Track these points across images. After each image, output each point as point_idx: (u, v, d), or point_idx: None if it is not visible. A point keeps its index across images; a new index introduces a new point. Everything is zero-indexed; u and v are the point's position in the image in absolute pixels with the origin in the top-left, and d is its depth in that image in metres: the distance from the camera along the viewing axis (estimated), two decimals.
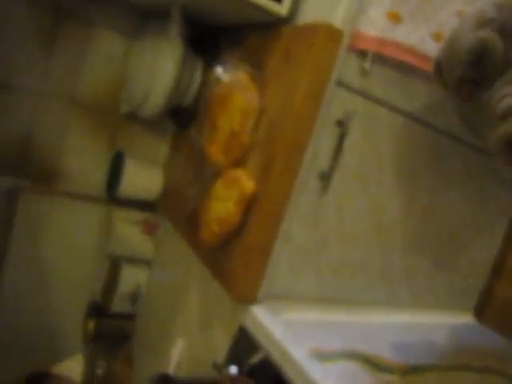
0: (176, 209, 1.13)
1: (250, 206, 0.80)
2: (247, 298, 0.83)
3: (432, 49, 0.88)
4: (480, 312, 1.22)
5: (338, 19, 0.76)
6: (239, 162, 0.87)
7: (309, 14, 0.83)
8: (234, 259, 0.84)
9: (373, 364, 0.78)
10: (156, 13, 1.09)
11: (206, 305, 0.99)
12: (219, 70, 0.92)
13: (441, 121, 0.96)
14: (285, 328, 0.77)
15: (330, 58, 0.77)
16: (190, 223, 1.01)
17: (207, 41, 1.11)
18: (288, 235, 0.84)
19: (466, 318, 1.21)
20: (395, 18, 0.83)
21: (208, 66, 1.04)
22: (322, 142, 0.82)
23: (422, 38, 0.86)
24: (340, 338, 0.83)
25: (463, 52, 0.57)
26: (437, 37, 0.88)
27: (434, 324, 1.11)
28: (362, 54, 0.82)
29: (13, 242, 1.20)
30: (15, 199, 1.19)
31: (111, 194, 1.19)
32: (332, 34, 0.75)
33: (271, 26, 0.88)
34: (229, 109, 0.86)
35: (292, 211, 0.82)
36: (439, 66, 0.72)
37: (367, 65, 0.82)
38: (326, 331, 0.86)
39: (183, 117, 1.13)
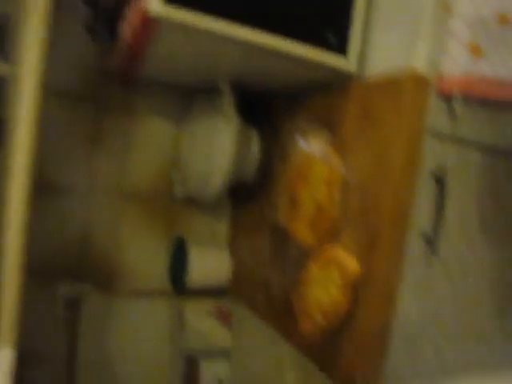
0: (253, 292, 1.03)
1: (356, 289, 0.70)
2: None
3: None
4: None
5: (421, 62, 0.68)
6: (330, 239, 0.77)
7: (380, 65, 0.75)
8: (346, 350, 0.73)
9: None
10: (200, 88, 1.03)
11: None
12: (293, 140, 0.84)
13: None
14: None
15: (420, 108, 0.68)
16: (276, 308, 0.91)
17: (258, 109, 1.05)
18: (401, 313, 0.73)
19: None
20: (477, 53, 0.74)
21: (264, 136, 0.97)
22: (422, 202, 0.72)
23: (510, 67, 0.77)
24: None
25: None
26: None
27: None
28: (449, 97, 0.73)
29: (80, 348, 1.11)
30: (78, 304, 1.12)
31: (179, 286, 1.10)
32: (418, 81, 0.68)
33: (338, 83, 0.80)
34: (310, 181, 0.77)
35: (402, 285, 0.71)
36: None
37: (457, 108, 0.74)
38: None
39: (244, 193, 1.05)
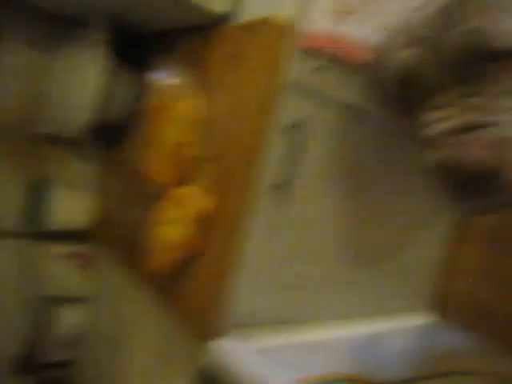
0: (114, 237, 1.01)
1: (206, 225, 0.71)
2: (211, 329, 0.73)
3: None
4: (440, 310, 1.21)
5: (287, 13, 0.70)
6: (188, 179, 0.77)
7: (254, 10, 0.76)
8: (191, 287, 0.74)
9: None
10: (70, 19, 0.96)
11: (161, 343, 0.87)
12: (155, 78, 0.82)
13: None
14: (260, 360, 0.68)
15: (281, 57, 0.70)
16: (134, 251, 0.90)
17: (137, 50, 1.00)
18: (249, 254, 0.76)
19: (427, 319, 1.19)
20: (343, 13, 0.78)
21: (140, 77, 0.94)
22: (276, 150, 0.75)
23: (376, 30, 0.82)
24: (318, 361, 0.76)
25: (393, 68, 0.53)
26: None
27: (400, 329, 1.07)
28: (313, 52, 0.76)
29: None
30: None
31: (35, 227, 1.03)
32: (282, 30, 0.69)
33: (211, 26, 0.80)
34: (170, 120, 0.76)
35: (251, 227, 0.74)
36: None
37: (318, 63, 0.77)
38: (301, 356, 0.79)
39: (113, 134, 1.01)
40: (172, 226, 0.74)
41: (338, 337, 0.91)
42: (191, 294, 0.74)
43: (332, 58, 0.78)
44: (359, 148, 0.88)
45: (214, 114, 0.74)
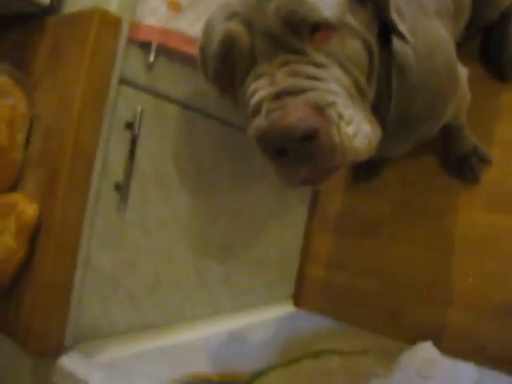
0: None
1: (35, 234, 0.65)
2: (51, 348, 0.67)
3: None
4: (297, 298, 1.26)
5: (113, 5, 0.66)
6: (13, 185, 0.70)
7: (78, 2, 0.71)
8: (25, 304, 0.67)
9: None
10: None
11: None
12: None
13: (232, 115, 0.93)
14: (107, 375, 0.64)
15: (108, 51, 0.66)
16: None
17: None
18: (90, 263, 0.71)
19: (286, 308, 1.22)
20: (175, 7, 0.77)
21: None
22: (112, 149, 0.71)
23: None
24: (175, 365, 0.73)
25: (214, 44, 0.54)
26: None
27: (261, 322, 1.08)
28: (145, 46, 0.74)
29: None
30: None
31: None
32: (108, 22, 0.66)
33: (33, 17, 0.73)
34: None
35: (90, 233, 0.69)
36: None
37: (151, 58, 0.75)
38: (157, 361, 0.75)
39: None
40: None
41: (195, 336, 0.89)
42: (28, 310, 0.67)
43: (166, 52, 0.77)
44: (203, 146, 0.88)
45: (38, 113, 0.68)
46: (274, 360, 0.85)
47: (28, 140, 0.69)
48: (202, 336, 0.91)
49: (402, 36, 0.55)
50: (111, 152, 0.71)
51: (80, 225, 0.67)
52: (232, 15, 0.52)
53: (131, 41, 0.71)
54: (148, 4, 0.73)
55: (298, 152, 0.45)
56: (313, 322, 1.15)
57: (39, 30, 0.72)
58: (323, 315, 1.20)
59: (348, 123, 0.47)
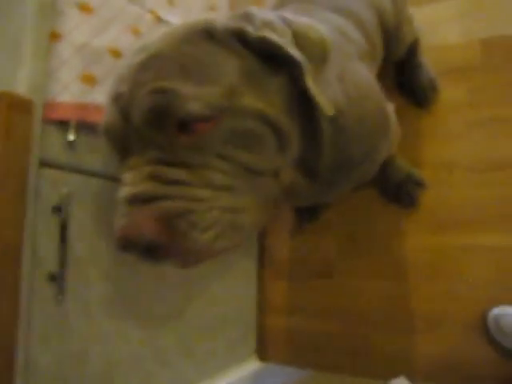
0: None
1: None
2: None
3: None
4: (261, 352, 1.21)
5: (22, 87, 0.63)
6: None
7: None
8: None
9: None
10: None
11: None
12: None
13: None
14: None
15: (22, 135, 0.62)
16: None
17: None
18: (31, 365, 0.64)
19: (252, 365, 1.17)
20: (90, 81, 0.74)
21: None
22: (41, 238, 0.66)
23: None
24: None
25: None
26: None
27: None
28: (63, 124, 0.70)
29: None
30: None
31: None
32: (18, 106, 0.62)
33: None
34: None
35: (27, 333, 0.63)
36: None
37: (71, 137, 0.71)
38: None
39: None
40: None
41: None
42: None
43: (86, 127, 0.73)
44: None
45: None
46: None
47: None
48: None
49: (322, 106, 0.52)
50: (40, 241, 0.65)
51: (14, 328, 0.60)
52: (115, 99, 0.50)
53: (47, 121, 0.67)
54: (59, 81, 0.70)
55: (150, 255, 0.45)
56: (280, 376, 1.11)
57: None
58: (289, 365, 1.16)
59: (205, 230, 0.45)
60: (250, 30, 0.50)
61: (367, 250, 1.14)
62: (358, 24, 0.82)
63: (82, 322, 0.72)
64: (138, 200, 0.44)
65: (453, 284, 1.03)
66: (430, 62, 1.14)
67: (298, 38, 0.53)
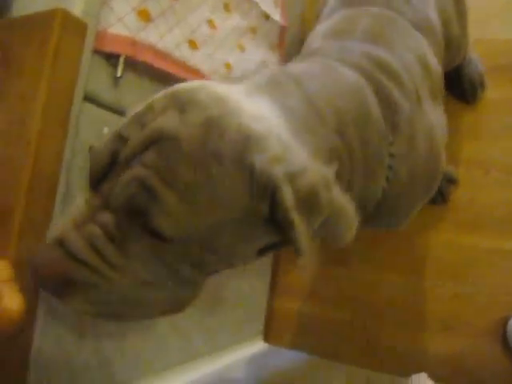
0: None
1: None
2: None
3: (188, 56, 0.76)
4: (268, 333, 1.17)
5: (77, 8, 0.56)
6: None
7: (32, 3, 0.60)
8: None
9: None
10: None
11: None
12: None
13: None
14: None
15: (72, 61, 0.56)
16: None
17: None
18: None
19: (257, 345, 1.14)
20: (145, 17, 0.67)
21: None
22: (75, 178, 0.60)
23: (177, 42, 0.73)
24: None
25: None
26: (191, 44, 0.77)
27: (233, 362, 0.99)
28: (111, 58, 0.64)
29: None
30: None
31: None
32: (72, 27, 0.55)
33: None
34: None
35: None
36: None
37: (119, 72, 0.64)
38: None
39: None
40: None
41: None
42: None
43: (134, 66, 0.67)
44: None
45: None
46: None
47: None
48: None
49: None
50: (72, 178, 0.59)
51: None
52: (119, 135, 0.43)
53: (96, 51, 0.61)
54: (114, 11, 0.63)
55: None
56: (286, 359, 1.08)
57: None
58: (294, 350, 1.13)
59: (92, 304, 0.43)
60: (287, 197, 0.42)
61: (387, 241, 1.10)
62: (435, 41, 0.77)
63: None
64: (65, 248, 0.40)
65: (474, 287, 0.99)
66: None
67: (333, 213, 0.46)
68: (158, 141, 0.40)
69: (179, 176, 0.39)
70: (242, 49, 0.91)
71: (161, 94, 0.45)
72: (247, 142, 0.41)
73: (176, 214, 0.39)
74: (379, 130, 0.59)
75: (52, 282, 0.40)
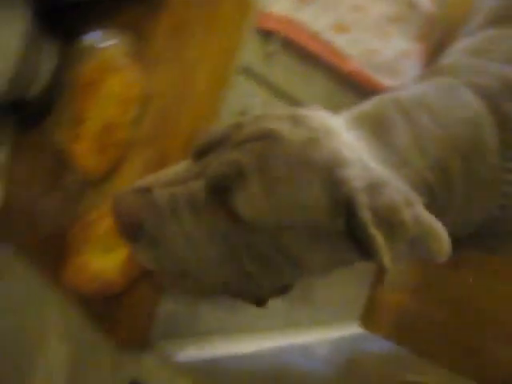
0: (22, 232, 0.86)
1: None
2: (138, 340, 0.63)
3: (336, 39, 0.80)
4: (366, 319, 1.19)
5: None
6: (115, 165, 0.67)
7: None
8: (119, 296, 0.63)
9: None
10: None
11: (75, 356, 0.75)
12: (86, 49, 0.71)
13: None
14: (193, 376, 0.59)
15: (236, 34, 0.63)
16: (47, 250, 0.77)
17: (67, 16, 0.88)
18: None
19: (353, 329, 1.16)
20: None
21: (68, 47, 0.81)
22: None
23: (327, 25, 0.77)
24: (252, 375, 0.69)
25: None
26: (339, 28, 0.80)
27: (329, 339, 1.03)
28: (268, 35, 0.70)
29: None
30: None
31: None
32: (241, 4, 0.61)
33: None
34: (101, 95, 0.66)
35: None
36: None
37: (272, 48, 0.70)
38: (236, 369, 0.71)
39: (31, 112, 0.88)
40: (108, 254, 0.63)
41: (271, 345, 0.84)
42: (115, 302, 0.64)
43: (286, 44, 0.72)
44: None
45: (153, 92, 0.65)
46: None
47: (138, 119, 0.66)
48: (275, 347, 0.87)
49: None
50: None
51: None
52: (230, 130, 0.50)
53: (257, 27, 0.67)
54: None
55: None
56: (381, 346, 1.09)
57: (163, 4, 0.68)
58: (390, 340, 1.13)
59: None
60: (365, 213, 0.45)
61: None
62: None
63: None
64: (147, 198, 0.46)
65: None
66: None
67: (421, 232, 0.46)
68: (267, 137, 0.46)
69: (273, 169, 0.45)
70: (387, 35, 0.92)
71: (285, 110, 0.52)
72: (337, 160, 0.46)
73: (257, 199, 0.44)
74: (492, 162, 0.57)
75: (127, 224, 0.46)
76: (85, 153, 0.68)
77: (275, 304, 0.87)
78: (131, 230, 0.46)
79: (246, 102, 0.69)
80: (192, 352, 0.69)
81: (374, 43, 0.89)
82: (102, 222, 0.63)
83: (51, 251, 0.74)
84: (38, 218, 0.80)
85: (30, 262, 0.84)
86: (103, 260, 0.63)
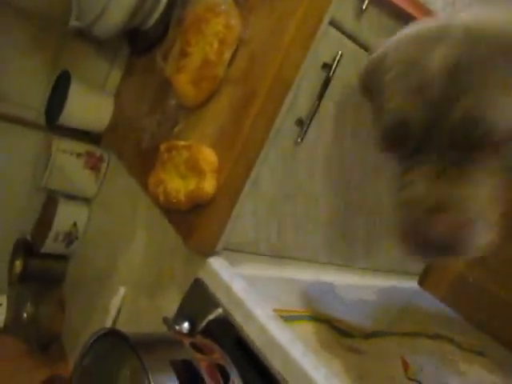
0: (126, 143, 1.01)
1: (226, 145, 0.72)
2: (206, 247, 0.75)
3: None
4: (423, 279, 1.23)
5: None
6: (209, 97, 0.77)
7: None
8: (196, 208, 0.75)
9: (336, 327, 0.74)
10: None
11: (154, 252, 0.90)
12: None
13: None
14: (246, 285, 0.70)
15: None
16: (143, 161, 0.91)
17: None
18: (256, 183, 0.76)
19: (411, 283, 1.21)
20: None
21: None
22: (304, 85, 0.74)
23: None
24: (301, 298, 0.78)
25: (387, 113, 0.52)
26: None
27: (385, 287, 1.09)
28: None
29: None
30: None
31: (52, 121, 1.04)
32: None
33: None
34: (205, 33, 0.75)
35: (264, 157, 0.74)
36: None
37: (364, 5, 0.74)
38: (287, 290, 0.81)
39: (142, 40, 1.00)
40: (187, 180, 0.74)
41: (325, 279, 0.93)
42: (196, 210, 0.75)
43: (377, 1, 0.75)
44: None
45: (248, 37, 0.73)
46: (387, 326, 0.87)
47: (233, 60, 0.74)
48: (330, 281, 0.95)
49: None
50: (303, 88, 0.73)
51: (261, 146, 0.71)
52: (420, 88, 0.48)
53: None
54: None
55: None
56: (433, 305, 1.14)
57: None
58: (444, 303, 1.17)
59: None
60: None
61: None
62: None
63: (302, 172, 0.82)
64: (435, 210, 0.47)
65: None
66: None
67: None
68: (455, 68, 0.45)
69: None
70: None
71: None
72: None
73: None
74: None
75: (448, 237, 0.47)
76: (185, 83, 0.78)
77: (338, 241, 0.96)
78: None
79: (332, 54, 0.74)
80: (250, 267, 0.81)
81: None
82: (185, 151, 0.74)
83: (145, 162, 0.88)
84: (139, 132, 0.93)
85: (129, 168, 0.99)
86: (177, 183, 0.75)
